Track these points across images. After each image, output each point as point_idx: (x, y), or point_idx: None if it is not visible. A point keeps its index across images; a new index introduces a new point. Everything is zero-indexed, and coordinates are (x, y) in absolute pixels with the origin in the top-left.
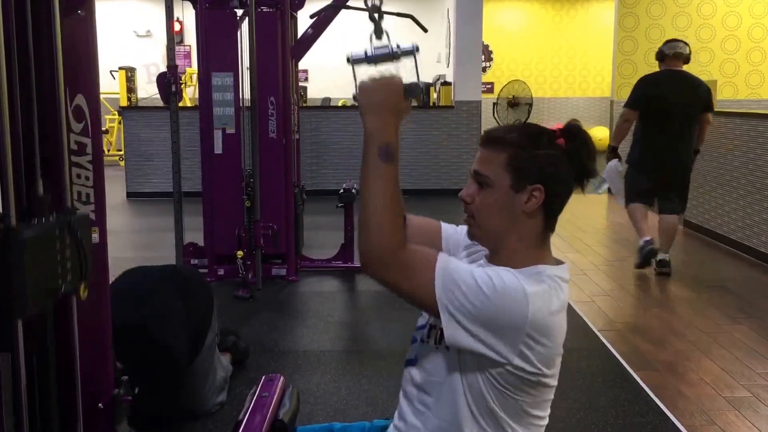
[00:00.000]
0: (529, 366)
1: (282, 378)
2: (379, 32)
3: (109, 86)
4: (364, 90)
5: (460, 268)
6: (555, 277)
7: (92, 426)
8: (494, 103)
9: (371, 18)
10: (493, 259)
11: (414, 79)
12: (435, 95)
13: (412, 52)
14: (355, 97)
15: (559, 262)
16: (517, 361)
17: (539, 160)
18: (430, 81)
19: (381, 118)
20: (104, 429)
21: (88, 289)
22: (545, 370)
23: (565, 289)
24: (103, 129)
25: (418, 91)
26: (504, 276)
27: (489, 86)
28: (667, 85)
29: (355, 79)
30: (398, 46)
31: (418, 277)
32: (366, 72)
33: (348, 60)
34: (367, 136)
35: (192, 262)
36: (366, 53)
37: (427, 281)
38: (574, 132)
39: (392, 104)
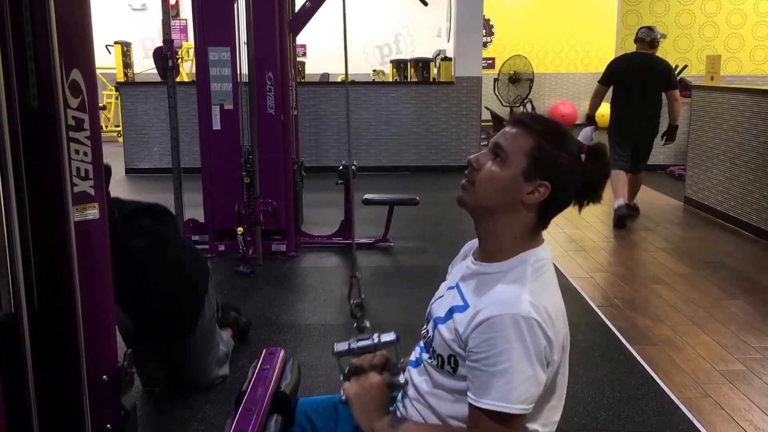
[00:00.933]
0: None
1: (283, 351)
2: (361, 328)
3: (105, 61)
4: (351, 400)
5: (518, 391)
6: (539, 261)
7: (97, 397)
8: (495, 79)
9: (353, 315)
10: (483, 250)
11: (396, 366)
12: (435, 71)
13: (393, 342)
14: (341, 400)
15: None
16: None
17: (559, 161)
18: (431, 56)
19: (372, 415)
20: (109, 400)
21: None
22: (555, 366)
23: (548, 267)
24: (100, 105)
25: (400, 387)
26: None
27: (490, 62)
28: (629, 65)
29: (341, 372)
30: (379, 338)
31: (505, 429)
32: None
33: (333, 354)
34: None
35: (193, 238)
36: (350, 347)
37: (513, 418)
38: (599, 153)
39: (377, 403)
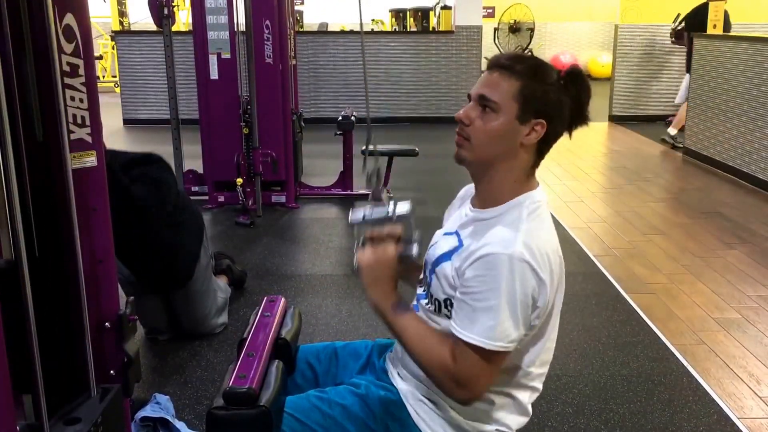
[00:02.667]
0: (539, 312)
1: (283, 299)
2: (378, 195)
3: (100, 10)
4: (363, 269)
5: (496, 319)
6: (534, 202)
7: (99, 344)
8: (495, 29)
9: (368, 182)
10: (480, 196)
11: (410, 240)
12: (435, 20)
13: (408, 216)
14: (354, 270)
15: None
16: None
17: (549, 96)
18: (430, 5)
19: (381, 290)
20: (111, 347)
21: None
22: (549, 308)
23: (543, 209)
24: (96, 54)
25: (411, 259)
26: (518, 295)
27: (490, 11)
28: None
29: (356, 241)
30: (394, 211)
31: (484, 366)
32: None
33: (349, 223)
34: (374, 307)
35: (192, 189)
36: (364, 217)
37: (492, 356)
38: (577, 76)
39: (388, 277)
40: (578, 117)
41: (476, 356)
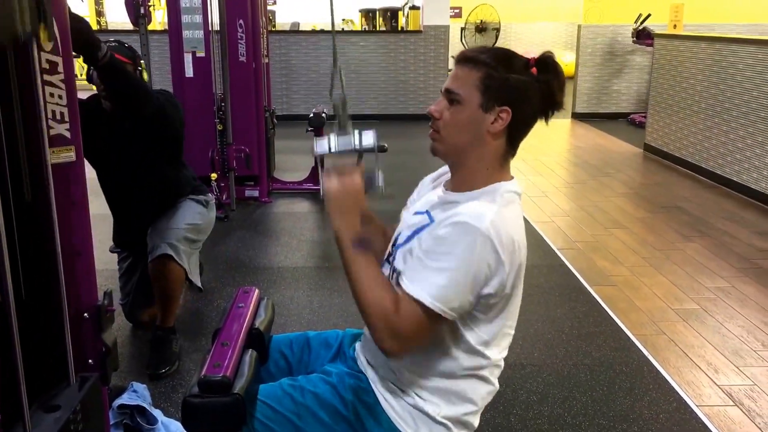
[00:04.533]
0: (493, 291)
1: (257, 290)
2: (343, 124)
3: (78, 10)
4: (328, 196)
5: (445, 284)
6: (510, 192)
7: (78, 334)
8: (462, 28)
9: (335, 110)
10: (454, 180)
11: (374, 170)
12: (403, 20)
13: (373, 147)
14: (322, 198)
15: (510, 177)
16: (486, 290)
17: (510, 83)
18: (399, 5)
19: (346, 218)
20: (90, 337)
21: (48, 35)
22: (507, 291)
23: (517, 201)
24: (74, 53)
25: (376, 188)
26: (474, 258)
27: (457, 11)
28: None
29: (320, 172)
30: (360, 142)
31: (421, 323)
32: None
33: (314, 154)
34: (338, 235)
35: None
36: (330, 148)
37: (430, 315)
38: (547, 63)
39: (354, 205)
40: (551, 103)
41: (417, 311)
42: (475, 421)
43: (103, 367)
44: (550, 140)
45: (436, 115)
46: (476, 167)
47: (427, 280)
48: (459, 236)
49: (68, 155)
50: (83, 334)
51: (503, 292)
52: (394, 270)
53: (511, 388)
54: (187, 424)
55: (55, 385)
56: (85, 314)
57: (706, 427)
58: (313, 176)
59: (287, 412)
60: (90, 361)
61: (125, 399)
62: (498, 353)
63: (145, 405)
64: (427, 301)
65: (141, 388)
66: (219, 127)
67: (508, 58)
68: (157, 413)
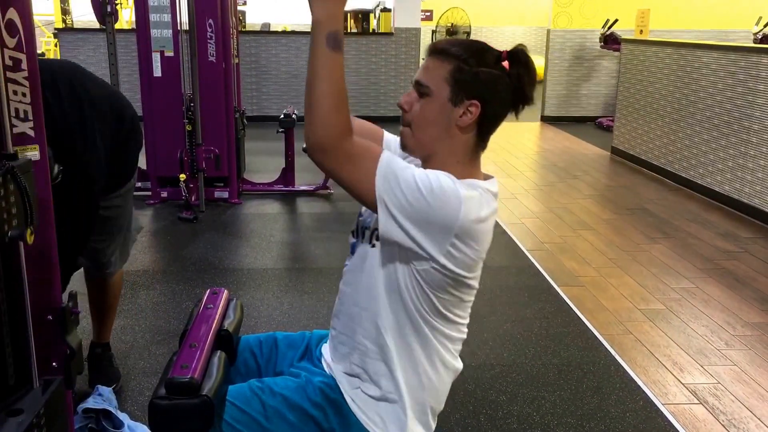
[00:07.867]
0: (453, 266)
1: (226, 291)
2: None
3: (43, 7)
4: None
5: (401, 165)
6: (486, 190)
7: (42, 337)
8: (433, 31)
9: None
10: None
11: None
12: (375, 22)
13: None
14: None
15: (488, 177)
16: (443, 261)
17: (480, 77)
18: (371, 7)
19: (328, 6)
20: (54, 340)
21: (34, 234)
22: (467, 274)
23: (494, 201)
24: (39, 52)
25: None
26: (441, 178)
27: (428, 13)
28: None
29: None
30: None
31: (361, 168)
32: None
33: None
34: (315, 24)
35: (136, 185)
36: None
37: (369, 173)
38: (519, 56)
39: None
40: (521, 98)
41: (370, 161)
42: (439, 406)
43: (68, 370)
44: (520, 143)
45: (405, 108)
46: (447, 161)
47: (396, 169)
48: (436, 174)
49: (33, 153)
50: (47, 336)
51: (459, 268)
52: (362, 228)
53: (481, 388)
54: (155, 426)
55: (19, 388)
56: (49, 316)
57: (672, 425)
58: (284, 178)
59: (255, 413)
60: (54, 363)
61: (90, 403)
62: (457, 332)
63: (110, 409)
64: (383, 163)
65: (107, 391)
66: (188, 128)
67: (479, 51)
68: (123, 417)
